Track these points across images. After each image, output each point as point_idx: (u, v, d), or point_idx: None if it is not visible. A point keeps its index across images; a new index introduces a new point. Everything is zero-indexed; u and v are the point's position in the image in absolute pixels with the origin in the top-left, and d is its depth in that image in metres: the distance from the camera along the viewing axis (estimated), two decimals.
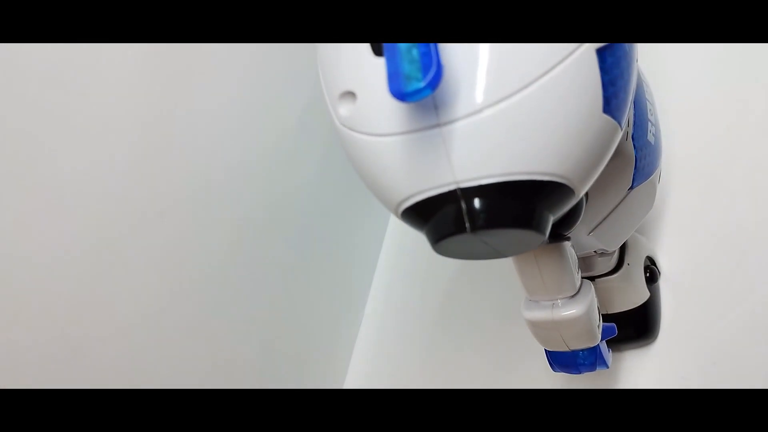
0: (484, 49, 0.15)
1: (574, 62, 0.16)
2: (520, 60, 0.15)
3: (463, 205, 0.16)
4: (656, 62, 0.39)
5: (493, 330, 0.42)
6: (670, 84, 0.38)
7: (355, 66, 0.17)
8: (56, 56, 0.25)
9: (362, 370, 0.46)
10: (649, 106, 0.26)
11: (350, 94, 0.18)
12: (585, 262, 0.31)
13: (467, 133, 0.16)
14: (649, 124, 0.25)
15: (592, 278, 0.33)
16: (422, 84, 0.14)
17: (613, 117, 0.17)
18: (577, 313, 0.23)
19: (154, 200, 0.30)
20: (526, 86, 0.15)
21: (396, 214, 0.18)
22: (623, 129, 0.18)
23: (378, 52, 0.17)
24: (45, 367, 0.26)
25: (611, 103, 0.16)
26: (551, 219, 0.17)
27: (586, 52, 0.16)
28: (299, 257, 0.41)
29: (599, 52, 0.16)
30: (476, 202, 0.16)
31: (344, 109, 0.18)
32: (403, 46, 0.15)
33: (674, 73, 0.39)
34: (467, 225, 0.16)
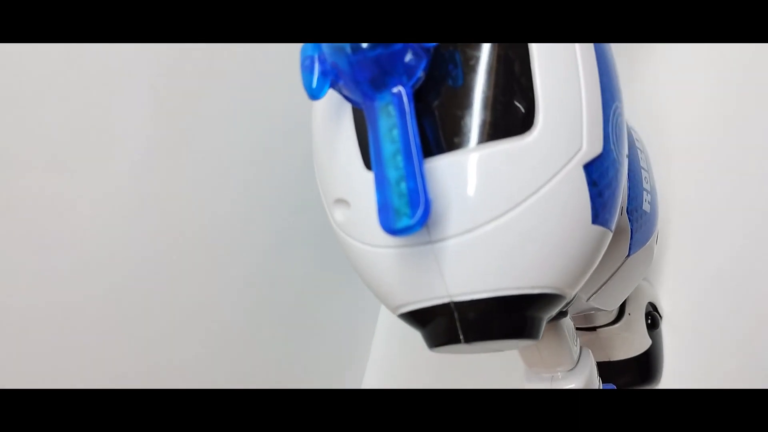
0: (472, 170, 0.16)
1: (562, 180, 0.16)
2: (508, 181, 0.16)
3: (457, 317, 0.16)
4: (657, 104, 0.40)
5: None
6: (669, 127, 0.38)
7: (348, 176, 0.18)
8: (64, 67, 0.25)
9: (379, 369, 0.47)
10: (644, 174, 0.26)
11: (344, 201, 0.18)
12: (585, 316, 0.32)
13: (458, 251, 0.16)
14: (645, 192, 0.25)
15: (593, 328, 0.33)
16: (411, 222, 0.14)
17: (603, 225, 0.17)
18: (576, 386, 0.24)
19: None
20: (514, 207, 0.15)
21: (394, 314, 0.19)
22: (614, 230, 0.18)
23: (368, 165, 0.17)
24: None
25: (600, 215, 0.16)
26: (544, 321, 0.18)
27: (573, 170, 0.16)
28: (316, 263, 0.42)
29: (586, 167, 0.16)
30: (469, 315, 0.16)
31: (339, 214, 0.18)
32: (392, 177, 0.15)
33: (674, 115, 0.39)
34: (461, 336, 0.16)
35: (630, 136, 0.26)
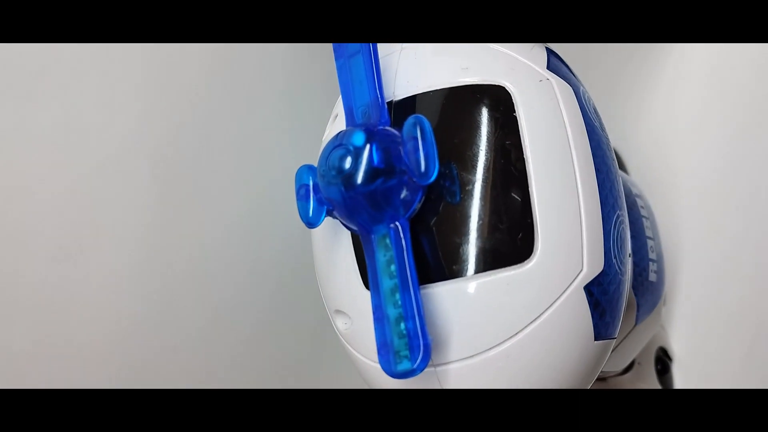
0: (471, 299, 0.15)
1: (562, 304, 0.16)
2: (509, 309, 0.15)
3: None
4: (666, 153, 0.39)
5: None
6: (676, 169, 0.38)
7: (347, 293, 0.17)
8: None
9: None
10: (650, 243, 0.25)
11: (345, 314, 0.18)
12: None
13: (461, 374, 0.16)
14: (651, 263, 0.25)
15: (603, 378, 0.33)
16: (412, 366, 0.14)
17: (606, 338, 0.17)
18: None
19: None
20: (515, 334, 0.15)
21: None
22: (617, 336, 0.18)
23: (367, 284, 0.17)
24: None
25: (602, 333, 0.16)
26: None
27: (573, 293, 0.16)
28: None
29: (587, 288, 0.16)
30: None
31: (341, 323, 0.18)
32: (392, 314, 0.15)
33: (682, 154, 0.38)
34: None
35: (635, 206, 0.25)
